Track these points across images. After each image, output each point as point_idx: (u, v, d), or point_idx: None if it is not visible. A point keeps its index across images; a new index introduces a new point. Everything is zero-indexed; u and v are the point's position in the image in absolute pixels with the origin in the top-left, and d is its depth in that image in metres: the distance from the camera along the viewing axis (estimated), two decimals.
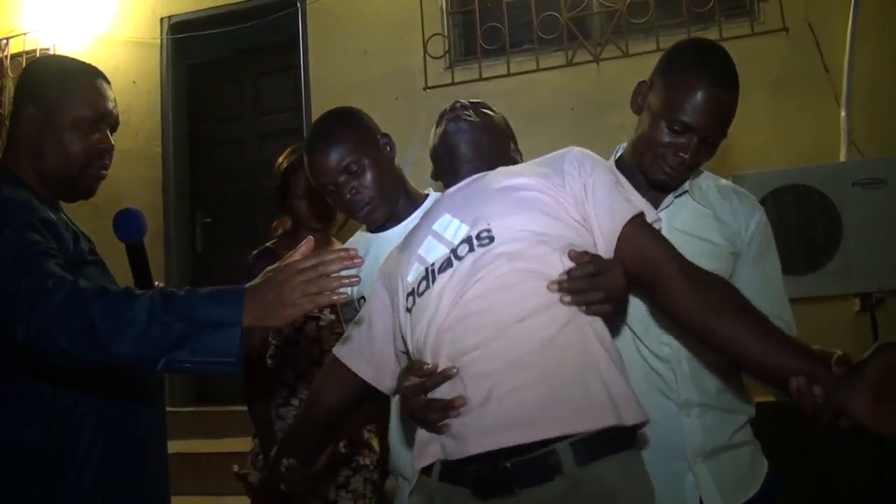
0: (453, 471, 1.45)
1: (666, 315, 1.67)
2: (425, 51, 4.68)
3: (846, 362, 1.40)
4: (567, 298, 1.44)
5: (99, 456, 1.66)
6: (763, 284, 1.86)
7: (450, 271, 1.54)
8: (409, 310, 1.61)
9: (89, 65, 1.89)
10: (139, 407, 1.79)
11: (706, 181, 1.93)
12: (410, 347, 1.63)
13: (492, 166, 1.77)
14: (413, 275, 1.62)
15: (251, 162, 5.23)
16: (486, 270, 1.49)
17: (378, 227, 2.04)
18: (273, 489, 1.86)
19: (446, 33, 4.76)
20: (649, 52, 4.09)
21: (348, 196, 1.93)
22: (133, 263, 1.94)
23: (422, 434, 1.53)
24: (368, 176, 1.93)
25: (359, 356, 1.79)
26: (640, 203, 1.62)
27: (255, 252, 2.89)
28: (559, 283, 1.45)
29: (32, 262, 1.47)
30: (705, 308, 1.51)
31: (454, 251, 1.56)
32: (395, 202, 2.00)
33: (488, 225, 1.54)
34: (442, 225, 1.64)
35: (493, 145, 1.87)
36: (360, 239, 2.12)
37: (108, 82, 1.89)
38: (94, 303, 1.39)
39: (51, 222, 1.65)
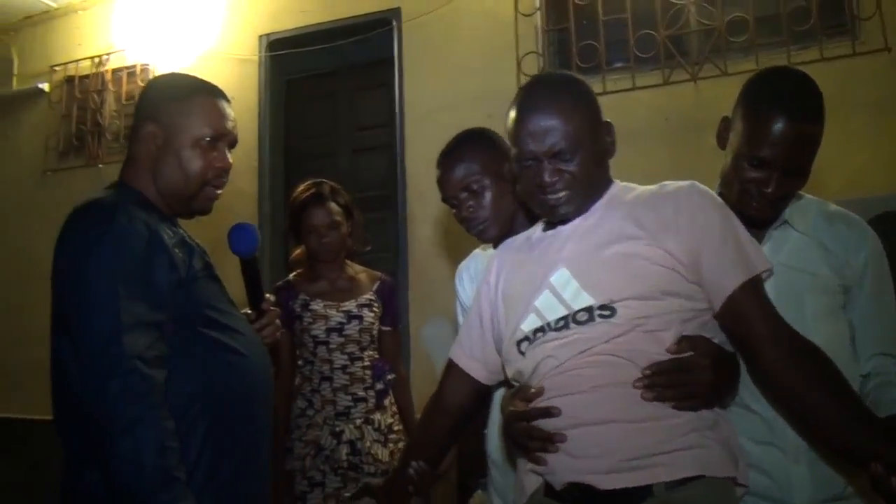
0: (550, 488, 1.55)
1: (756, 379, 1.68)
2: (519, 69, 4.71)
3: None
4: (648, 395, 1.49)
5: (209, 460, 1.72)
6: (877, 321, 1.82)
7: (566, 331, 1.60)
8: (521, 352, 1.67)
9: (210, 83, 1.95)
10: (250, 411, 1.85)
11: (810, 207, 1.89)
12: (512, 375, 1.72)
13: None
14: (528, 324, 1.68)
15: (344, 176, 5.31)
16: (605, 337, 1.55)
17: (494, 244, 2.13)
18: (400, 491, 1.93)
19: (541, 51, 4.79)
20: (749, 71, 3.99)
21: (465, 213, 2.07)
22: (246, 276, 2.02)
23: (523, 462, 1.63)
24: (487, 197, 2.05)
25: (470, 357, 1.89)
26: (753, 254, 1.63)
27: (277, 284, 3.27)
28: (641, 379, 1.50)
29: (124, 354, 1.57)
30: (791, 383, 1.55)
31: (573, 316, 1.60)
32: (509, 224, 2.09)
33: (610, 300, 1.57)
34: (560, 282, 1.66)
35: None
36: (481, 254, 2.26)
37: (228, 101, 1.95)
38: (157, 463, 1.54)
39: (163, 247, 1.72)
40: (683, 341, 1.54)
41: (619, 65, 4.67)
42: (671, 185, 1.70)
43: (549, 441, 1.52)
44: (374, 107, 5.57)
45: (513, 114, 1.72)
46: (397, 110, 5.17)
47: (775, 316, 1.60)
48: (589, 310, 1.59)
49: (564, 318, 1.61)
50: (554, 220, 1.76)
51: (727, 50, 4.32)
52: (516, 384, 1.74)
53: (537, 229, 1.87)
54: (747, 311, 1.59)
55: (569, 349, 1.57)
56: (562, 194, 1.68)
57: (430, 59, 5.07)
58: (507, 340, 1.72)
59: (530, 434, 1.56)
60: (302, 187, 3.25)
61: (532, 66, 4.72)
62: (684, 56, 4.45)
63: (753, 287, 1.60)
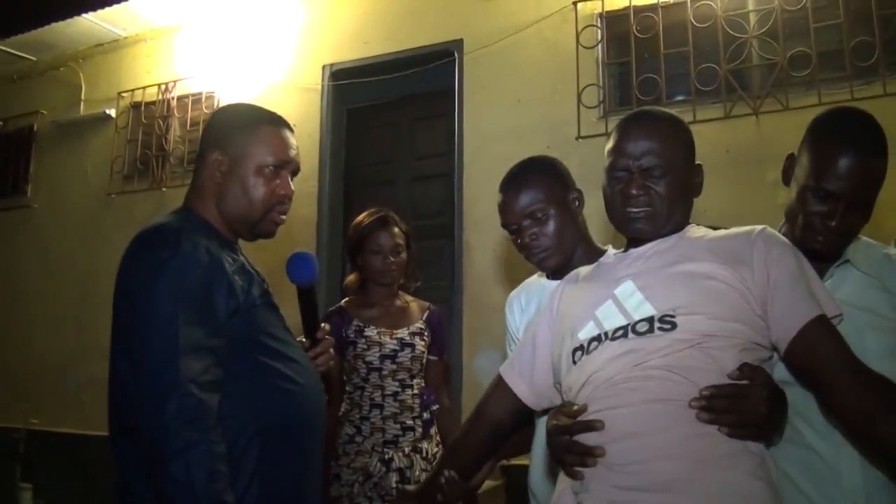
0: None
1: (832, 412, 1.66)
2: (579, 101, 4.73)
3: None
4: (704, 416, 1.47)
5: (259, 486, 1.74)
6: None
7: (623, 342, 1.60)
8: (574, 362, 1.67)
9: (274, 113, 2.00)
10: (303, 438, 1.87)
11: (871, 249, 1.89)
12: (564, 391, 1.71)
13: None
14: (585, 332, 1.68)
15: (402, 204, 5.39)
16: (663, 351, 1.54)
17: (553, 273, 2.14)
18: (430, 498, 1.95)
19: (601, 84, 4.80)
20: (810, 105, 4.00)
21: (527, 240, 2.08)
22: (302, 304, 2.04)
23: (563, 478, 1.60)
24: (551, 226, 2.07)
25: (518, 376, 1.89)
26: (824, 298, 1.63)
27: (330, 309, 3.30)
28: (700, 399, 1.48)
29: (180, 377, 1.61)
30: (871, 411, 1.52)
31: (633, 326, 1.61)
32: (570, 254, 2.11)
33: (673, 312, 1.58)
34: (624, 293, 1.68)
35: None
36: (534, 283, 2.26)
37: (292, 130, 2.00)
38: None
39: (223, 274, 1.76)
40: (745, 368, 1.52)
41: (679, 98, 4.66)
42: (745, 227, 1.73)
43: (589, 455, 1.51)
44: (433, 136, 5.63)
45: (615, 132, 1.80)
46: (456, 140, 5.21)
47: (849, 349, 1.59)
48: (650, 320, 1.59)
49: (623, 327, 1.61)
50: (628, 235, 1.79)
51: (789, 84, 4.28)
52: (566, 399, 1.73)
53: (608, 257, 1.90)
54: (821, 343, 1.57)
55: (622, 361, 1.56)
56: (643, 209, 1.72)
57: (491, 91, 5.11)
58: (564, 351, 1.72)
59: (570, 448, 1.55)
60: (366, 213, 3.31)
61: (592, 99, 4.73)
62: (746, 90, 4.42)
63: (825, 322, 1.60)
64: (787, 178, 1.93)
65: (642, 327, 1.59)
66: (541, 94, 4.92)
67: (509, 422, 1.94)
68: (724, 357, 1.52)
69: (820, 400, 1.67)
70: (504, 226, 2.15)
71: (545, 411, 1.90)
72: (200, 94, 6.01)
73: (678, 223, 1.77)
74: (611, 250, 2.13)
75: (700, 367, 1.50)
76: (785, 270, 1.62)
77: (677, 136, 1.78)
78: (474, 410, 1.99)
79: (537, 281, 2.28)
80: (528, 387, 1.88)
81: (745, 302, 1.58)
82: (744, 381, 1.50)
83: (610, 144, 1.79)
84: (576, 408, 1.59)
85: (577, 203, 2.16)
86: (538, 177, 2.13)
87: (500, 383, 1.94)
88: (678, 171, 1.74)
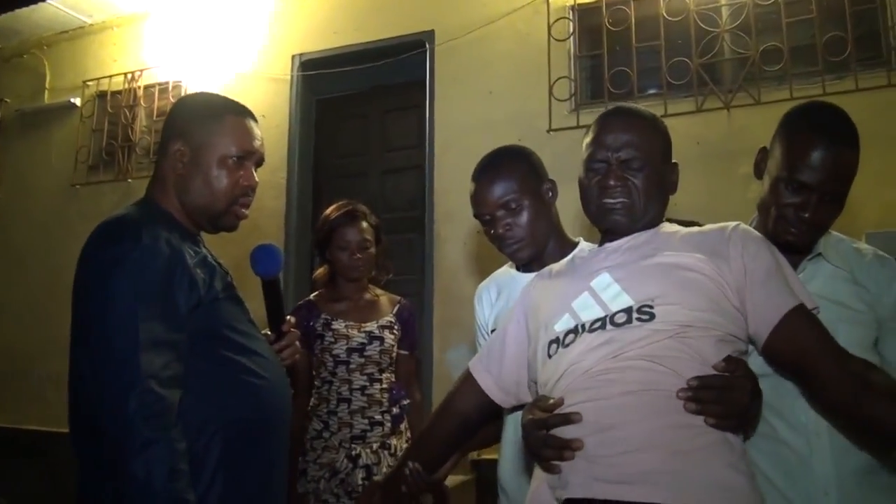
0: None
1: (819, 405, 1.70)
2: (551, 94, 4.72)
3: None
4: (692, 406, 1.46)
5: (222, 484, 1.72)
6: None
7: (601, 334, 1.59)
8: (549, 356, 1.66)
9: (237, 103, 1.98)
10: (267, 434, 1.85)
11: (842, 243, 1.92)
12: (540, 386, 1.69)
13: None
14: (561, 325, 1.68)
15: (373, 196, 5.36)
16: (642, 342, 1.53)
17: (524, 266, 2.13)
18: (394, 489, 1.95)
19: (573, 76, 4.79)
20: (782, 100, 4.02)
21: (500, 230, 2.06)
22: (267, 297, 2.03)
23: (538, 472, 1.59)
24: (524, 216, 2.06)
25: (486, 371, 1.89)
26: (801, 291, 1.65)
27: (299, 303, 3.31)
28: (687, 390, 1.47)
29: (140, 373, 1.59)
30: (858, 393, 1.56)
31: (611, 317, 1.61)
32: (543, 246, 2.10)
33: (651, 302, 1.58)
34: (601, 285, 1.68)
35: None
36: (504, 275, 2.25)
37: (256, 120, 1.97)
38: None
39: (184, 267, 1.74)
40: (730, 360, 1.53)
41: (651, 91, 4.66)
42: (719, 224, 1.75)
43: (567, 448, 1.49)
44: (404, 128, 5.61)
45: (594, 125, 1.82)
46: (427, 132, 5.20)
47: (830, 335, 1.62)
48: (628, 311, 1.59)
49: (601, 319, 1.61)
50: (604, 226, 1.80)
51: (761, 79, 4.30)
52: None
53: (582, 252, 1.91)
54: (803, 331, 1.60)
55: (600, 353, 1.56)
56: (620, 200, 1.74)
57: (462, 83, 5.10)
58: (539, 345, 1.72)
59: (546, 442, 1.53)
60: (334, 206, 3.29)
61: (564, 91, 4.73)
62: (717, 84, 4.43)
63: (805, 311, 1.62)
64: (759, 172, 1.94)
65: (620, 318, 1.59)
66: (512, 87, 4.91)
67: (476, 416, 1.95)
68: (703, 347, 1.52)
69: (804, 388, 1.69)
70: (477, 216, 2.13)
71: (515, 407, 1.89)
72: (167, 83, 5.93)
73: (653, 219, 1.78)
74: (583, 243, 2.13)
75: (680, 357, 1.50)
76: (762, 264, 1.63)
77: (656, 132, 1.80)
78: (442, 403, 1.99)
79: (507, 272, 2.26)
80: (494, 383, 1.88)
81: (722, 293, 1.59)
82: (728, 373, 1.50)
83: (589, 137, 1.81)
84: (552, 401, 1.57)
85: (550, 194, 2.15)
86: (512, 166, 2.11)
87: (468, 377, 1.94)
88: (656, 165, 1.76)
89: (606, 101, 4.58)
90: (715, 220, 1.77)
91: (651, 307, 1.57)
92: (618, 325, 1.58)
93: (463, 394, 1.94)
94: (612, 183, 1.73)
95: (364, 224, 3.22)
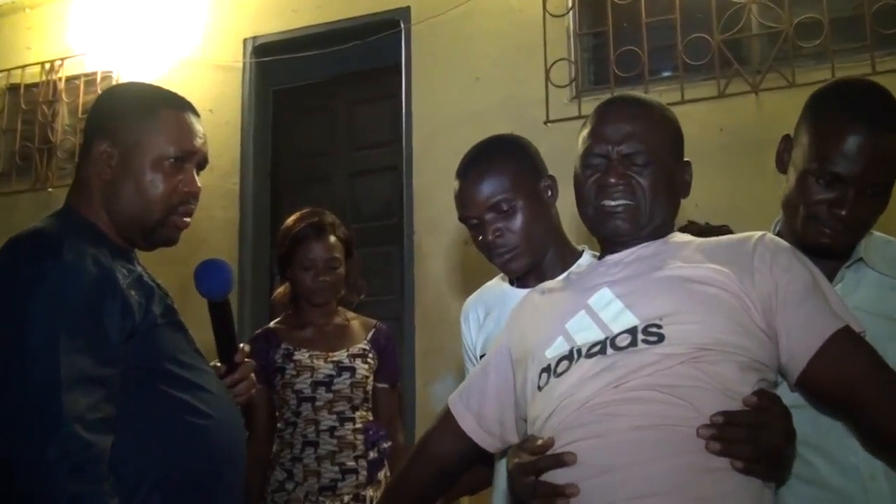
0: None
1: (872, 444, 1.66)
2: (548, 79, 4.73)
3: None
4: (715, 446, 1.43)
5: None
6: None
7: (600, 359, 1.57)
8: (539, 387, 1.64)
9: (175, 94, 1.97)
10: (217, 485, 1.84)
11: (888, 245, 1.88)
12: (529, 424, 1.67)
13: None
14: (553, 350, 1.66)
15: (341, 203, 5.36)
16: (650, 368, 1.51)
17: (518, 279, 2.12)
18: None
19: (573, 58, 4.81)
20: (821, 81, 4.01)
21: (490, 237, 2.03)
22: (215, 322, 2.01)
23: None
24: (518, 219, 2.03)
25: (466, 408, 1.88)
26: (844, 311, 1.62)
27: (256, 332, 3.28)
28: (710, 426, 1.44)
29: (64, 415, 1.56)
30: None
31: (612, 340, 1.58)
32: (541, 255, 2.08)
33: (660, 320, 1.56)
34: (600, 302, 1.67)
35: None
36: (495, 289, 2.23)
37: (197, 115, 1.96)
38: None
39: (115, 288, 1.72)
40: (763, 394, 1.50)
41: (665, 74, 4.69)
42: (740, 234, 1.73)
43: (560, 495, 1.46)
44: (376, 122, 5.61)
45: (592, 116, 1.81)
46: (404, 126, 5.20)
47: (882, 360, 1.58)
48: (632, 331, 1.57)
49: (601, 342, 1.59)
50: (603, 233, 1.77)
51: (795, 57, 4.31)
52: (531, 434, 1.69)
53: (579, 267, 1.90)
54: (850, 357, 1.57)
55: (600, 382, 1.52)
56: (622, 202, 1.71)
57: (444, 67, 5.10)
58: (529, 375, 1.70)
59: (536, 490, 1.51)
60: (297, 216, 3.26)
61: (563, 76, 4.75)
62: (744, 64, 4.45)
63: (851, 333, 1.59)
64: (782, 164, 1.91)
65: (623, 340, 1.57)
66: (503, 72, 4.92)
67: (456, 462, 1.93)
68: (725, 374, 1.50)
69: (853, 424, 1.65)
70: (462, 220, 2.11)
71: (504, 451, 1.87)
72: (94, 74, 5.89)
73: (661, 225, 1.76)
74: (587, 253, 2.11)
75: (697, 387, 1.48)
76: (796, 280, 1.60)
77: (664, 123, 1.78)
78: (416, 445, 1.99)
79: (498, 286, 2.25)
80: (476, 422, 1.86)
81: (745, 312, 1.56)
82: (761, 409, 1.48)
83: (586, 129, 1.79)
84: (540, 442, 1.55)
85: (549, 192, 2.13)
86: (504, 160, 2.09)
87: (446, 416, 1.92)
88: (664, 162, 1.73)
89: (613, 86, 4.60)
90: (741, 222, 1.76)
91: (660, 326, 1.55)
92: (620, 349, 1.56)
93: (440, 435, 1.92)
94: (612, 181, 1.70)
95: (332, 238, 3.19)
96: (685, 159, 1.82)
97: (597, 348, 1.59)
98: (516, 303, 1.96)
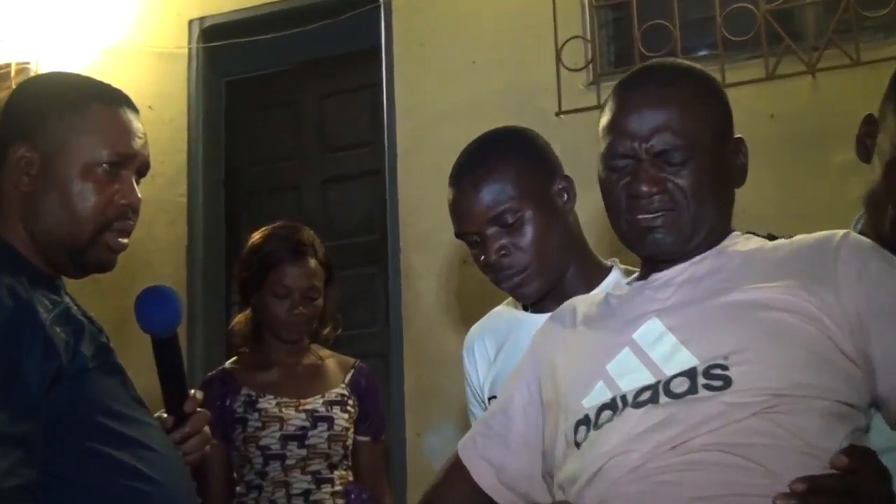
0: None
1: None
2: (559, 61, 4.73)
3: None
4: None
5: None
6: None
7: (652, 410, 1.55)
8: (576, 443, 1.62)
9: (108, 86, 1.98)
10: None
11: None
12: (563, 485, 1.65)
13: None
14: (592, 398, 1.64)
15: (311, 216, 5.33)
16: (714, 423, 1.49)
17: (532, 303, 2.11)
18: None
19: (589, 36, 4.81)
20: (891, 59, 4.03)
21: (494, 257, 2.02)
22: (161, 364, 2.00)
23: None
24: (528, 233, 2.02)
25: (483, 459, 1.86)
26: None
27: (210, 374, 3.29)
28: (789, 496, 1.40)
29: None
30: None
31: (666, 384, 1.56)
32: (558, 274, 2.08)
33: (725, 360, 1.53)
34: (648, 337, 1.64)
35: None
36: (505, 316, 2.23)
37: (136, 111, 1.97)
38: None
39: (35, 325, 1.70)
40: (856, 452, 1.47)
41: (702, 53, 4.70)
42: (823, 232, 1.69)
43: None
44: (352, 119, 5.63)
45: (611, 99, 1.76)
46: (385, 123, 5.20)
47: None
48: (690, 374, 1.54)
49: (651, 387, 1.57)
50: (642, 253, 1.75)
51: (861, 29, 4.31)
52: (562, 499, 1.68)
53: (619, 287, 1.84)
54: None
55: (653, 440, 1.50)
56: (660, 214, 1.67)
57: (433, 50, 5.12)
58: (560, 428, 1.68)
59: None
60: (268, 231, 3.25)
61: (577, 57, 4.74)
62: (797, 39, 4.45)
63: None
64: (864, 152, 1.90)
65: (680, 386, 1.54)
66: (505, 54, 4.93)
67: None
68: (804, 427, 1.48)
69: None
70: (460, 236, 2.11)
71: None
72: (8, 66, 5.85)
73: (714, 230, 1.73)
74: (617, 270, 2.10)
75: (772, 445, 1.46)
76: (892, 291, 1.57)
77: (704, 97, 1.74)
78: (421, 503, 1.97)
79: (509, 313, 2.24)
80: (496, 476, 1.84)
81: (827, 341, 1.54)
82: (851, 471, 1.46)
83: (605, 117, 1.76)
84: None
85: (565, 197, 2.12)
86: (505, 160, 2.08)
87: (455, 467, 1.90)
88: (708, 150, 1.69)
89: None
90: (793, 227, 1.73)
91: (725, 367, 1.52)
92: (677, 397, 1.53)
93: (447, 491, 1.92)
94: (644, 189, 1.66)
95: (312, 263, 3.19)
96: (736, 136, 1.78)
97: (647, 395, 1.56)
98: (538, 328, 1.93)
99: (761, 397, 1.49)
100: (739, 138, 1.79)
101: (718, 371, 1.52)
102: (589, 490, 1.55)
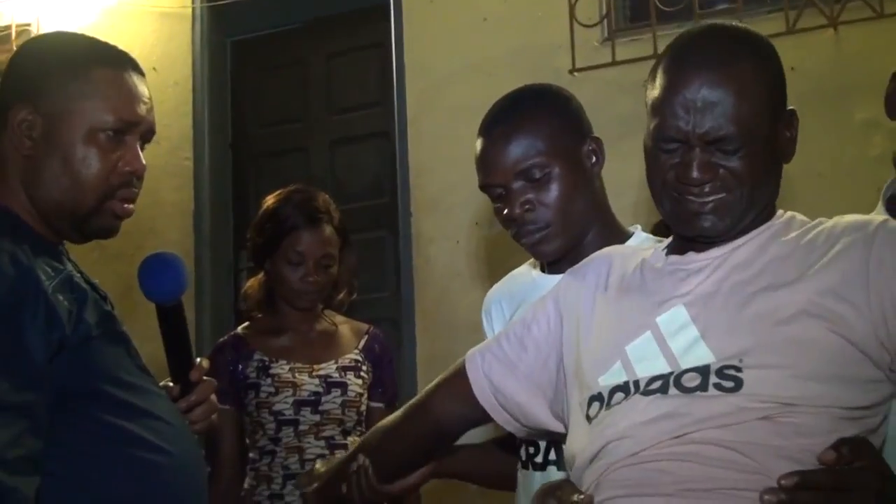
0: None
1: None
2: (572, 17, 4.70)
3: None
4: None
5: None
6: None
7: (660, 399, 1.56)
8: (588, 417, 1.65)
9: (113, 48, 1.96)
10: None
11: None
12: (570, 456, 1.68)
13: None
14: (608, 377, 1.65)
15: (318, 179, 5.33)
16: (718, 420, 1.50)
17: (550, 264, 2.12)
18: (333, 487, 2.03)
19: None
20: None
21: (518, 210, 2.03)
22: (166, 332, 2.00)
23: None
24: (554, 190, 2.03)
25: (485, 375, 1.88)
26: None
27: (221, 339, 3.29)
28: (777, 490, 1.40)
29: None
30: None
31: (678, 377, 1.57)
32: (580, 236, 2.08)
33: (739, 361, 1.53)
34: (671, 324, 1.64)
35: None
36: (523, 278, 2.25)
37: (142, 73, 1.96)
38: None
39: (38, 292, 1.70)
40: (844, 447, 1.45)
41: (721, 6, 4.68)
42: (858, 219, 1.67)
43: None
44: (360, 79, 5.61)
45: (663, 66, 1.70)
46: (395, 83, 5.19)
47: None
48: (704, 372, 1.55)
49: (664, 377, 1.58)
50: (690, 234, 1.72)
51: None
52: (568, 472, 1.71)
53: (657, 258, 1.81)
54: None
55: (654, 429, 1.52)
56: (711, 199, 1.64)
57: (442, 6, 5.10)
58: (575, 395, 1.71)
59: None
60: (283, 195, 3.24)
61: (591, 13, 4.72)
62: None
63: None
64: (894, 110, 1.89)
65: (691, 381, 1.55)
66: (516, 10, 4.91)
67: (457, 429, 1.98)
68: (811, 431, 1.48)
69: None
70: (484, 188, 2.11)
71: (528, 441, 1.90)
72: (9, 27, 5.89)
73: (761, 212, 1.71)
74: (639, 232, 2.09)
75: (772, 445, 1.46)
76: None
77: (763, 75, 1.67)
78: (417, 399, 2.02)
79: (527, 274, 2.25)
80: (493, 394, 1.87)
81: (848, 345, 1.53)
82: (846, 466, 1.45)
83: (655, 92, 1.69)
84: (577, 497, 1.56)
85: (594, 158, 2.12)
86: (538, 116, 2.08)
87: (459, 375, 1.93)
88: (762, 135, 1.65)
89: (654, 24, 4.55)
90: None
91: (738, 369, 1.52)
92: (686, 391, 1.55)
93: (447, 395, 1.95)
94: (695, 175, 1.62)
95: (328, 229, 3.19)
96: (789, 108, 1.73)
97: (657, 384, 1.58)
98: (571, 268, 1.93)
99: (770, 404, 1.49)
100: (792, 110, 1.73)
101: (732, 372, 1.53)
102: (593, 467, 1.59)
